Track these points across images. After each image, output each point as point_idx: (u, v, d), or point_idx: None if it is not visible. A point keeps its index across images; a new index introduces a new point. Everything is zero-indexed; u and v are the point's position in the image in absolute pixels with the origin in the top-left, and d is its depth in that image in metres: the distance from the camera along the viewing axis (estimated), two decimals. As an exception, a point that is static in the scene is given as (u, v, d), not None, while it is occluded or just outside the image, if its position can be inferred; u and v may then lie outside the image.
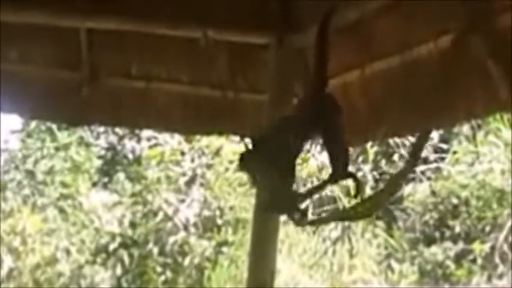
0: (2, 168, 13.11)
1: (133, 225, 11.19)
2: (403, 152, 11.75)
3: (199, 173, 11.30)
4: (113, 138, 14.48)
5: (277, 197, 2.95)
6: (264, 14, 3.66)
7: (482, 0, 3.06)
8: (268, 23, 3.64)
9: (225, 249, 10.74)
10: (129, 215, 11.24)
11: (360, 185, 3.22)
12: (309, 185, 10.70)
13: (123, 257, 10.95)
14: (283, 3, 3.63)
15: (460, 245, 10.67)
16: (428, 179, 11.59)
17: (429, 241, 11.09)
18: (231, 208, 10.93)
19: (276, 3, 3.64)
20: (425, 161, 11.75)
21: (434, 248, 10.84)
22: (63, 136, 13.02)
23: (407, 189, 11.59)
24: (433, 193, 11.18)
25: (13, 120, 14.44)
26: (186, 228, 11.01)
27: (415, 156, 3.28)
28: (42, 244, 10.87)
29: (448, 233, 10.99)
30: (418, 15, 3.26)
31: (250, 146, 2.88)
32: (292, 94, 3.62)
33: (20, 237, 10.74)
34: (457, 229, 10.83)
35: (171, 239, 10.93)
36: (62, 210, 11.83)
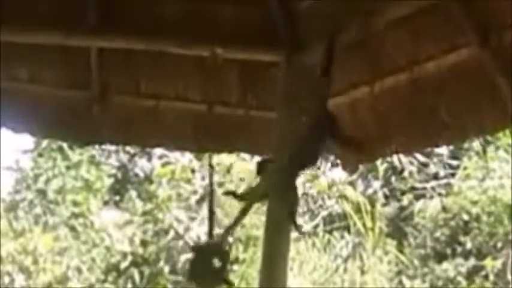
0: (13, 188, 13.16)
1: (144, 243, 11.18)
2: (413, 168, 11.74)
3: (210, 191, 11.30)
4: (124, 157, 14.51)
5: None
6: (272, 32, 3.68)
7: (490, 16, 3.07)
8: (277, 40, 3.66)
9: (236, 266, 10.71)
10: (140, 234, 11.24)
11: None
12: (319, 202, 10.71)
13: (134, 276, 10.94)
14: (291, 22, 3.65)
15: (472, 261, 10.61)
16: (439, 195, 11.55)
17: (440, 257, 11.03)
18: (242, 226, 10.91)
19: (285, 22, 3.66)
20: (436, 177, 11.73)
21: (445, 265, 10.78)
22: (74, 155, 13.06)
23: (418, 205, 11.56)
24: (444, 209, 11.13)
25: (25, 140, 14.50)
26: (197, 246, 10.99)
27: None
28: (53, 263, 10.87)
29: (459, 249, 10.92)
30: (426, 32, 3.27)
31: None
32: (301, 111, 3.63)
33: (32, 256, 10.75)
34: (469, 245, 10.77)
35: (182, 257, 10.91)
36: (73, 229, 11.84)
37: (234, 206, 11.03)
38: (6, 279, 10.64)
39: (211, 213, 3.58)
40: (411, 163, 11.76)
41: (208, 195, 3.60)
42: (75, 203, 12.48)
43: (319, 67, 3.19)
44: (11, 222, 11.55)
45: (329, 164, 11.09)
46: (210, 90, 3.92)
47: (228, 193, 3.58)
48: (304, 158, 3.16)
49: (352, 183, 11.10)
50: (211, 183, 3.66)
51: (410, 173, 11.76)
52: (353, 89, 3.67)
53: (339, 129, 3.13)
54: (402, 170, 11.73)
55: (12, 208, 12.31)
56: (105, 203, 13.24)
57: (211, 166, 3.60)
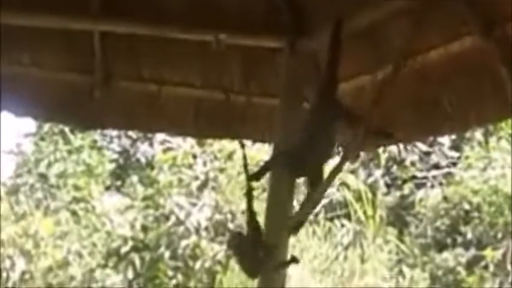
0: (15, 172, 13.17)
1: (145, 228, 11.20)
2: (415, 157, 11.74)
3: (212, 177, 11.32)
4: (126, 142, 14.52)
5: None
6: (276, 18, 3.67)
7: (493, 7, 3.07)
8: (280, 27, 3.65)
9: (236, 253, 10.73)
10: (141, 219, 11.26)
11: None
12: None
13: (135, 261, 10.97)
14: (294, 8, 3.65)
15: (472, 251, 10.62)
16: (440, 184, 11.56)
17: (441, 247, 11.04)
18: (243, 212, 10.92)
19: (288, 7, 3.65)
20: (437, 166, 11.73)
21: (445, 254, 10.80)
22: (76, 140, 13.07)
23: (419, 194, 11.56)
24: (445, 199, 11.14)
25: (26, 124, 14.52)
26: (197, 232, 11.02)
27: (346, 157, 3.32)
28: (54, 247, 10.89)
29: (459, 239, 10.94)
30: (430, 21, 3.27)
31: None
32: (303, 98, 3.63)
33: (33, 240, 10.78)
34: (469, 235, 10.78)
35: (183, 243, 10.94)
36: (74, 214, 11.86)
37: (235, 193, 11.05)
38: (8, 263, 10.67)
39: (250, 199, 3.52)
40: (413, 152, 11.76)
41: (246, 183, 3.54)
42: (77, 188, 12.50)
43: (327, 54, 3.19)
44: (12, 206, 11.57)
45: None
46: (213, 76, 3.91)
47: (252, 177, 3.46)
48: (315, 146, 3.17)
49: (353, 172, 11.10)
50: (245, 165, 3.54)
51: (412, 162, 11.75)
52: (356, 77, 3.67)
53: (348, 112, 3.15)
54: (403, 159, 11.74)
55: (13, 192, 12.34)
56: (107, 188, 13.27)
57: (244, 157, 3.51)
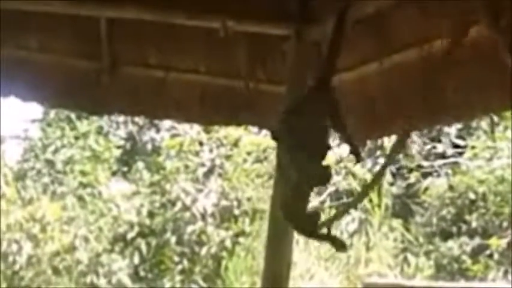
0: (22, 157, 13.23)
1: (151, 214, 11.25)
2: (421, 146, 11.73)
3: (218, 164, 11.34)
4: (133, 128, 14.56)
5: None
6: (283, 5, 3.67)
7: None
8: (287, 14, 3.65)
9: (242, 239, 10.77)
10: (147, 205, 11.30)
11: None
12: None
13: (141, 246, 11.02)
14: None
15: (477, 240, 10.63)
16: (446, 173, 11.56)
17: (446, 236, 11.06)
18: (249, 199, 10.96)
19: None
20: (443, 155, 11.73)
21: (450, 243, 10.81)
22: (82, 125, 13.10)
23: (425, 183, 11.57)
24: (451, 188, 11.14)
25: (33, 109, 14.57)
26: (203, 218, 11.06)
27: (390, 158, 3.25)
28: (61, 232, 10.95)
29: (464, 228, 10.95)
30: (436, 8, 3.26)
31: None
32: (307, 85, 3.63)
33: (40, 224, 10.84)
34: (474, 224, 10.78)
35: (189, 229, 10.98)
36: (81, 199, 11.91)
37: (241, 179, 11.07)
38: (14, 247, 10.74)
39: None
40: (419, 141, 11.75)
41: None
42: (83, 173, 12.55)
43: (328, 42, 3.18)
44: (19, 191, 11.63)
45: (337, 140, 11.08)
46: (219, 62, 3.92)
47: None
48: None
49: (359, 160, 11.10)
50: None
51: (418, 151, 11.75)
52: (362, 65, 3.67)
53: (339, 105, 3.11)
54: (410, 148, 11.73)
55: (20, 177, 12.39)
56: (113, 174, 13.32)
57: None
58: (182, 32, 3.79)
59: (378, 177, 3.17)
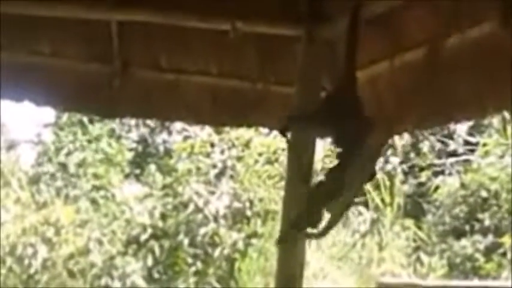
0: (35, 161, 13.29)
1: (164, 216, 11.28)
2: (432, 144, 11.71)
3: (229, 165, 11.36)
4: (144, 131, 14.60)
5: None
6: (293, 6, 3.67)
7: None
8: (297, 14, 3.66)
9: (254, 240, 10.79)
10: (160, 207, 11.33)
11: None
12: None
13: (154, 248, 11.05)
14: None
15: (490, 239, 10.60)
16: (458, 171, 11.54)
17: (458, 234, 11.03)
18: (261, 200, 10.97)
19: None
20: (455, 153, 11.70)
21: (463, 241, 10.79)
22: (94, 129, 13.15)
23: (436, 181, 11.55)
24: (463, 186, 11.11)
25: (46, 114, 14.63)
26: (216, 219, 11.08)
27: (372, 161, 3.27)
28: (75, 235, 11.00)
29: (477, 226, 10.92)
30: (448, 6, 3.26)
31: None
32: (320, 87, 3.64)
33: (54, 228, 10.89)
34: (487, 222, 10.75)
35: (202, 231, 11.00)
36: (94, 202, 11.96)
37: (253, 181, 11.08)
38: (30, 250, 10.79)
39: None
40: (430, 139, 11.73)
41: None
42: (96, 176, 12.60)
43: (344, 40, 3.19)
44: (34, 195, 11.68)
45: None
46: (230, 64, 3.93)
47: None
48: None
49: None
50: None
51: (430, 150, 11.73)
52: (372, 65, 3.67)
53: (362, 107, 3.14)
54: (421, 147, 11.72)
55: (34, 181, 12.45)
56: (126, 176, 13.36)
57: None
58: (192, 34, 3.81)
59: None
